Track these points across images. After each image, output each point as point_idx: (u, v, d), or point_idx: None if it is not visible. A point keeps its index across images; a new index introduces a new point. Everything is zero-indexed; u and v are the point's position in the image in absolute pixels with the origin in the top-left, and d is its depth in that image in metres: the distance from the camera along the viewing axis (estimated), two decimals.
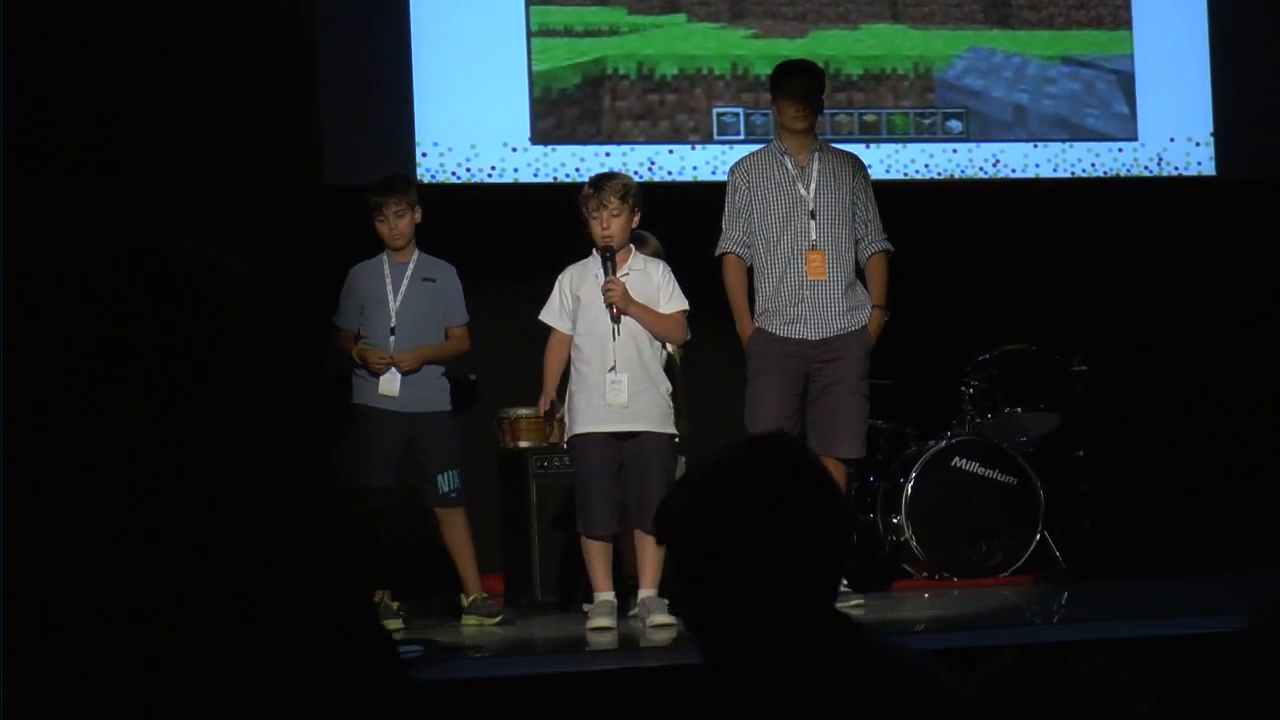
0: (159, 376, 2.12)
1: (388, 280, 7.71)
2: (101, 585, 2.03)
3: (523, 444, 8.55)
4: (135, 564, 2.04)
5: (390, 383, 7.59)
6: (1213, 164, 10.15)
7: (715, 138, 9.67)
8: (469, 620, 7.57)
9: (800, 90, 7.72)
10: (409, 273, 7.70)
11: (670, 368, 7.50)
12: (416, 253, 7.75)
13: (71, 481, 2.09)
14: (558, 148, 9.48)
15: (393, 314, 7.67)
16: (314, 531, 2.07)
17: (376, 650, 2.06)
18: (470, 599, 7.62)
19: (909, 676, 2.38)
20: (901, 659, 2.43)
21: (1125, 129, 10.11)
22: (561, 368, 7.44)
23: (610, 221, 7.28)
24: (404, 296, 7.69)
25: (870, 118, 9.86)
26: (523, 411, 8.54)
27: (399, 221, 7.66)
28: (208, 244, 2.18)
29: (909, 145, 9.87)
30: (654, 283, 7.39)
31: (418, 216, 7.72)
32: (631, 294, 7.31)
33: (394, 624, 7.46)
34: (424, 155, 9.27)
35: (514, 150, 9.42)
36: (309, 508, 2.08)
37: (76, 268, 2.14)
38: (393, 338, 7.65)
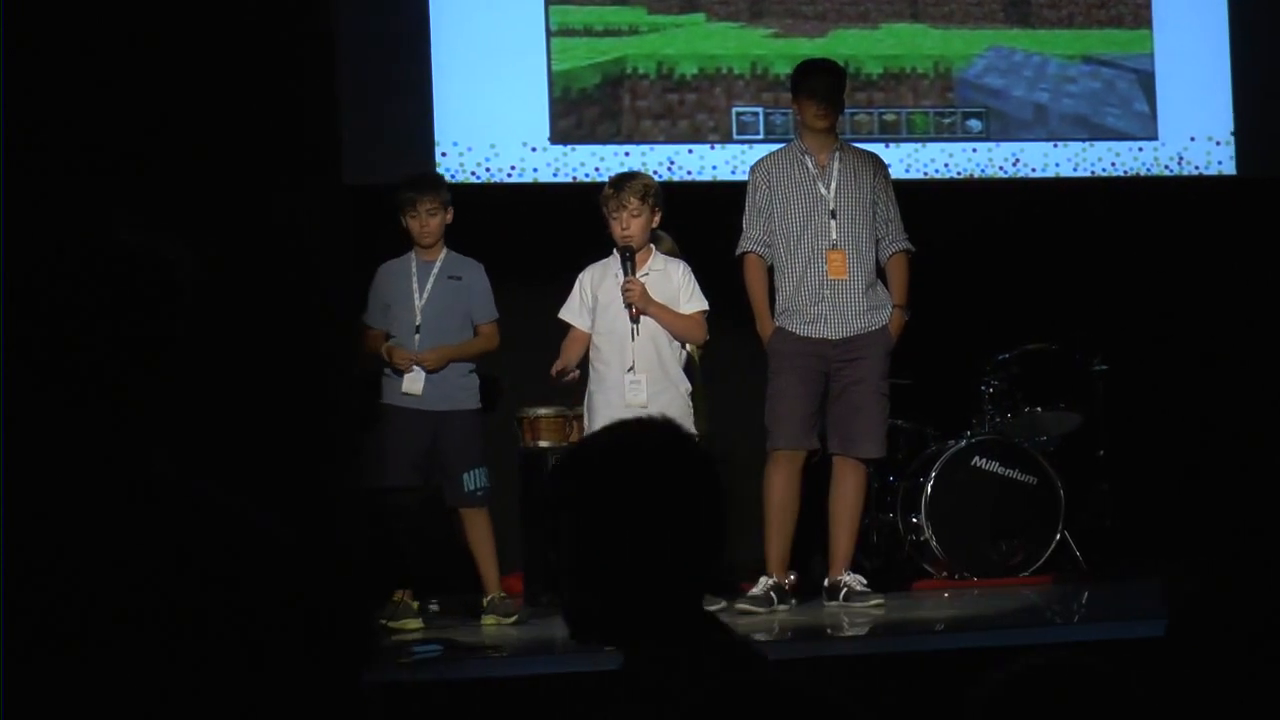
0: (113, 372, 2.13)
1: (414, 278, 7.71)
2: (59, 587, 2.04)
3: (543, 443, 8.55)
4: (86, 566, 2.05)
5: (414, 381, 7.59)
6: (1233, 163, 10.12)
7: (735, 137, 9.66)
8: (488, 620, 7.57)
9: (822, 89, 7.72)
10: (435, 271, 7.70)
11: (689, 367, 7.49)
12: (444, 251, 7.75)
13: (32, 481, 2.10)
14: (577, 147, 9.48)
15: (417, 312, 7.67)
16: (264, 531, 2.07)
17: (331, 655, 2.05)
18: (489, 598, 7.62)
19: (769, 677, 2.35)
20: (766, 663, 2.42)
21: (1145, 128, 10.08)
22: (579, 357, 7.44)
23: (630, 222, 7.29)
24: (429, 294, 7.69)
25: (890, 117, 9.84)
26: (543, 411, 8.54)
27: (430, 220, 7.66)
28: (150, 237, 2.18)
29: (929, 144, 9.85)
30: (674, 283, 7.39)
31: (449, 217, 7.72)
32: (651, 294, 7.31)
33: (414, 623, 7.46)
34: (443, 155, 9.27)
35: (533, 150, 9.42)
36: (260, 509, 2.09)
37: (36, 269, 2.15)
38: (417, 336, 7.65)
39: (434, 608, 7.93)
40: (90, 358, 2.11)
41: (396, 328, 7.69)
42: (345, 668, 2.08)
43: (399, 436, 7.58)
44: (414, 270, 7.71)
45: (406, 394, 7.58)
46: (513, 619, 7.56)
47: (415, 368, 7.59)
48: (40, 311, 2.12)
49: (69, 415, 2.10)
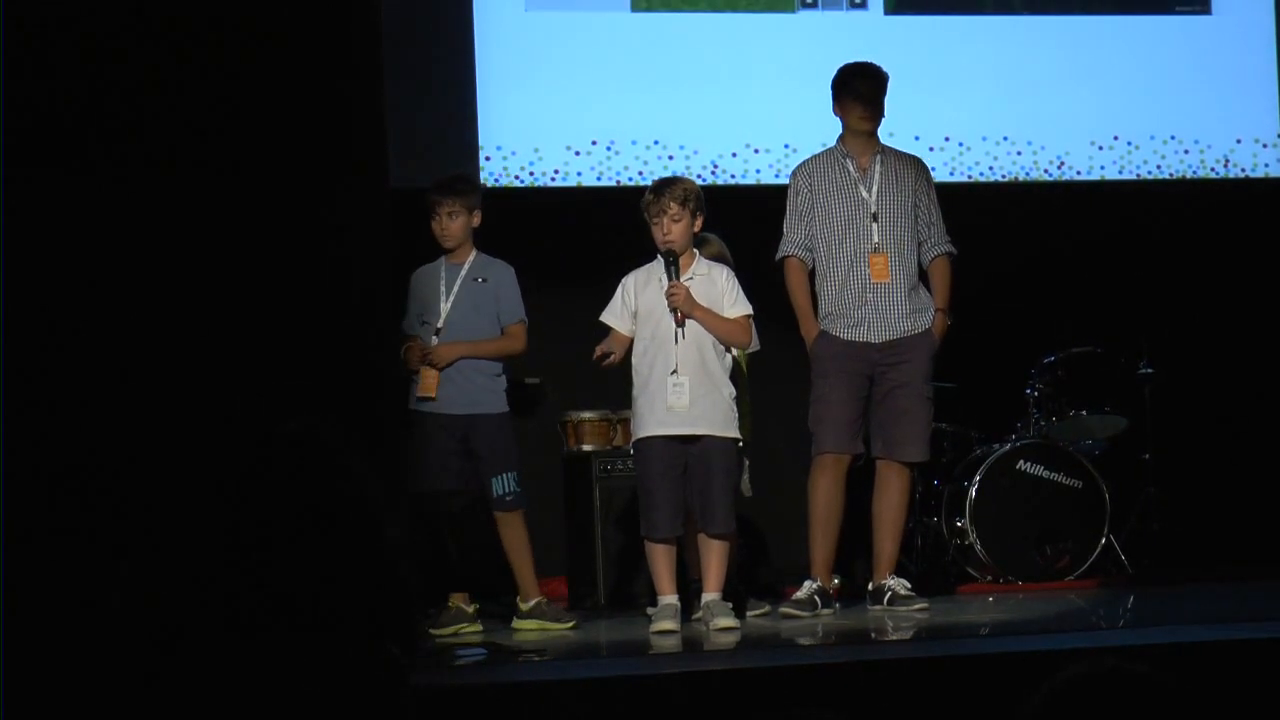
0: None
1: (441, 282, 7.68)
2: (95, 591, 2.06)
3: (586, 447, 8.57)
4: (128, 569, 2.07)
5: (428, 385, 7.53)
6: None
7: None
8: (526, 624, 7.52)
9: (867, 92, 7.71)
10: (462, 274, 7.67)
11: (734, 373, 7.48)
12: (473, 254, 7.70)
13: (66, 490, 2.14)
14: (621, 151, 9.49)
15: (441, 315, 7.62)
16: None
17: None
18: (532, 604, 7.56)
19: None
20: None
21: (1191, 130, 10.04)
22: (622, 353, 7.41)
23: (670, 226, 7.28)
24: (455, 298, 7.65)
25: None
26: (586, 415, 8.55)
27: (450, 222, 7.63)
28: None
29: (974, 147, 9.83)
30: (719, 287, 7.37)
31: (475, 220, 7.66)
32: (695, 298, 7.30)
33: (471, 628, 7.45)
34: (487, 159, 9.29)
35: (577, 154, 9.43)
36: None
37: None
38: (435, 339, 7.61)
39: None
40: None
41: (423, 332, 7.64)
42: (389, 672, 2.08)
43: (426, 440, 7.54)
44: (442, 274, 7.68)
45: (422, 396, 7.54)
46: (569, 625, 7.50)
47: (431, 370, 7.54)
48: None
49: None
